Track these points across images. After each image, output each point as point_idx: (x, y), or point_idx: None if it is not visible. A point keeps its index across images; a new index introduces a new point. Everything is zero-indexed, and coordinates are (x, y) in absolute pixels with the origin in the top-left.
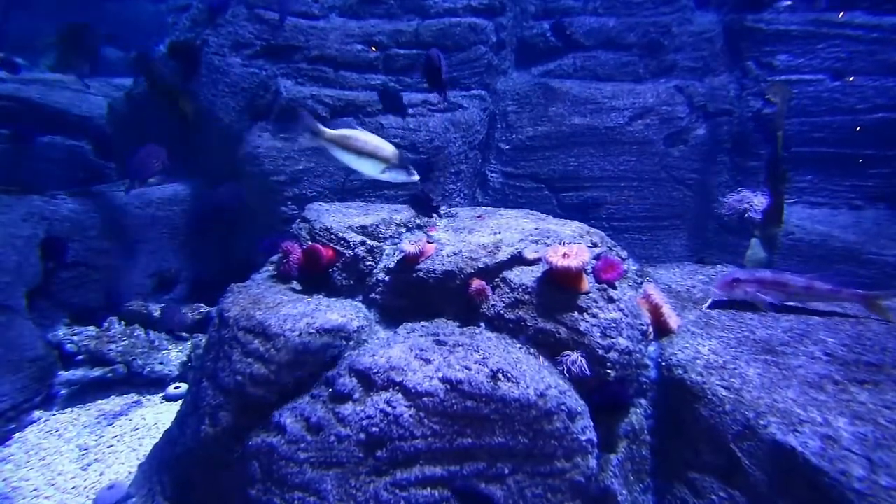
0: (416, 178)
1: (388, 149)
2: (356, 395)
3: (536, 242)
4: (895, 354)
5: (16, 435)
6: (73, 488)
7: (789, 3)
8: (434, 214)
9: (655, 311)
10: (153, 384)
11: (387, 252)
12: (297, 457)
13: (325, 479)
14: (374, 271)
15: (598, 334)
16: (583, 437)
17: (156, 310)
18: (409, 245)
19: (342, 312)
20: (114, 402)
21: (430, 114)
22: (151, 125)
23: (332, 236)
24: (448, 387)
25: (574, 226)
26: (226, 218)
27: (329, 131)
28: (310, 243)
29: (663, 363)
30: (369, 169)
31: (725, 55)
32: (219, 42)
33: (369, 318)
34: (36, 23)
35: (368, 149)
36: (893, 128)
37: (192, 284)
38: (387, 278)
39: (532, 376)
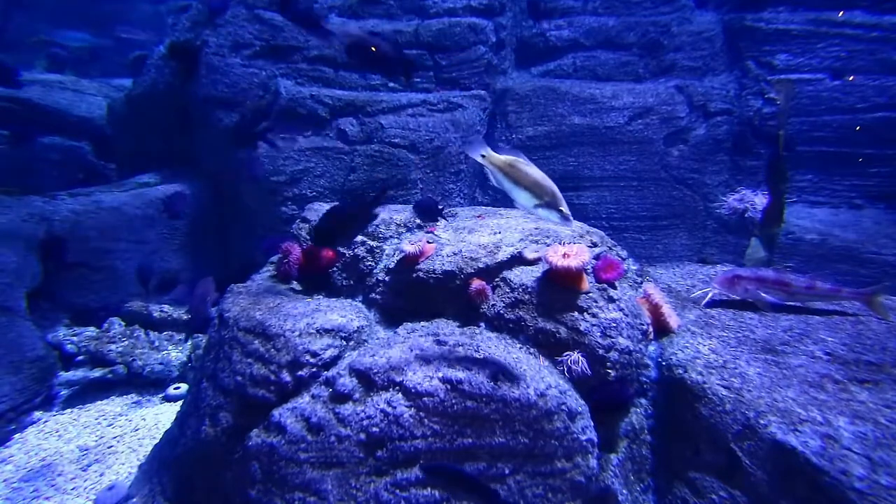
0: (571, 224)
1: (547, 187)
2: (356, 395)
3: (536, 242)
4: (895, 353)
5: (16, 436)
6: (73, 489)
7: None
8: (440, 219)
9: (655, 310)
10: (153, 385)
11: (387, 252)
12: (298, 457)
13: (326, 479)
14: (375, 271)
15: (599, 334)
16: (583, 437)
17: (156, 310)
18: (408, 245)
19: (342, 312)
20: (114, 403)
21: (430, 114)
22: (151, 126)
23: None
24: (448, 387)
25: (574, 225)
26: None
27: (495, 155)
28: (310, 243)
29: (663, 363)
30: (524, 200)
31: (725, 54)
32: (218, 42)
33: (369, 318)
34: (35, 23)
35: (527, 182)
36: (893, 127)
37: (192, 285)
38: (387, 278)
39: (532, 376)
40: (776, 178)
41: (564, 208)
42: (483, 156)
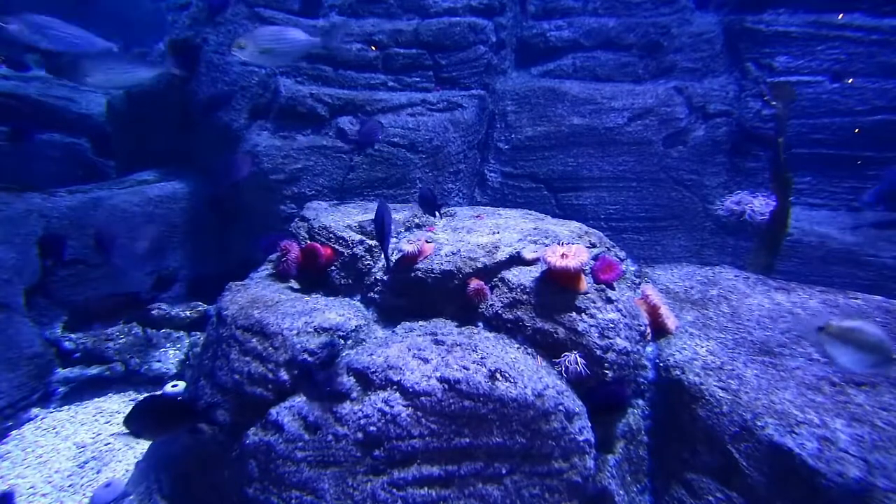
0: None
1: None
2: (354, 395)
3: (535, 242)
4: None
5: (13, 432)
6: (70, 486)
7: None
8: (437, 213)
9: (653, 311)
10: (151, 382)
11: None
12: (295, 455)
13: (323, 478)
14: (373, 270)
15: (596, 335)
16: (580, 438)
17: (154, 308)
18: (407, 244)
19: (340, 311)
20: (112, 400)
21: (430, 113)
22: (150, 123)
23: (331, 235)
24: (446, 386)
25: (573, 226)
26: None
27: (836, 325)
28: (308, 242)
29: (661, 364)
30: (855, 362)
31: (725, 56)
32: (218, 40)
33: (367, 318)
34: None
35: (870, 344)
36: (892, 130)
37: (191, 283)
38: (385, 277)
39: (530, 376)
40: (781, 183)
41: None
42: (819, 328)
